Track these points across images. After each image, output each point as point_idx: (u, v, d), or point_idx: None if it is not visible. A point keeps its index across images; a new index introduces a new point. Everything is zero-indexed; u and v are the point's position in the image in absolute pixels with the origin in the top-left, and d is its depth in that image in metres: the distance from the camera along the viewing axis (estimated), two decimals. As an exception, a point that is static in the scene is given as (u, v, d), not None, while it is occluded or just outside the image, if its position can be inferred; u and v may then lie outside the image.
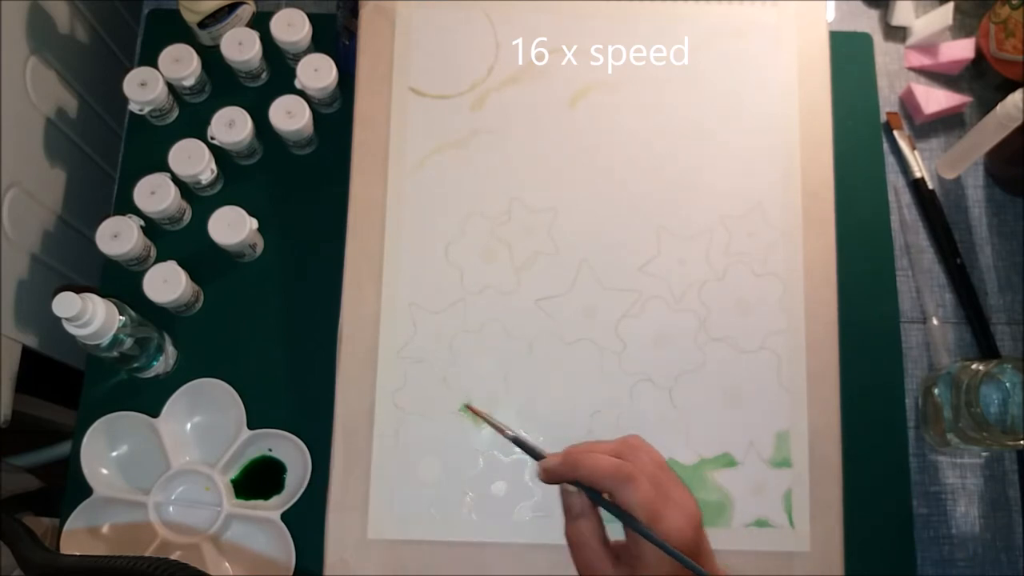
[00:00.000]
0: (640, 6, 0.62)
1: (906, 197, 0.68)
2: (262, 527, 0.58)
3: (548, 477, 0.45)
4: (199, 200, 0.65)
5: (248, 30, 0.64)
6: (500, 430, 0.49)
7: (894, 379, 0.63)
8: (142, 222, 0.61)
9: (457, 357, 0.57)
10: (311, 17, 0.64)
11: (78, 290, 0.51)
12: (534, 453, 0.46)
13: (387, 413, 0.56)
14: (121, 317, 0.54)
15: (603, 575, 0.42)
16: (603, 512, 0.43)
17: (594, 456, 0.43)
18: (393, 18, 0.61)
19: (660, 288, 0.58)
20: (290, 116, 0.62)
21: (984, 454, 0.63)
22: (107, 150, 0.75)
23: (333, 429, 0.56)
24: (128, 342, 0.55)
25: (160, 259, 0.62)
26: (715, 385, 0.57)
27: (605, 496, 0.42)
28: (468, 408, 0.55)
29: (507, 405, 0.56)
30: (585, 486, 0.43)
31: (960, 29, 0.72)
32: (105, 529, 0.58)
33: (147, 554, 0.56)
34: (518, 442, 0.47)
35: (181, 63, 0.64)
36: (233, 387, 0.59)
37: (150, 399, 0.59)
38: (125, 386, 0.61)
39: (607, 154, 0.60)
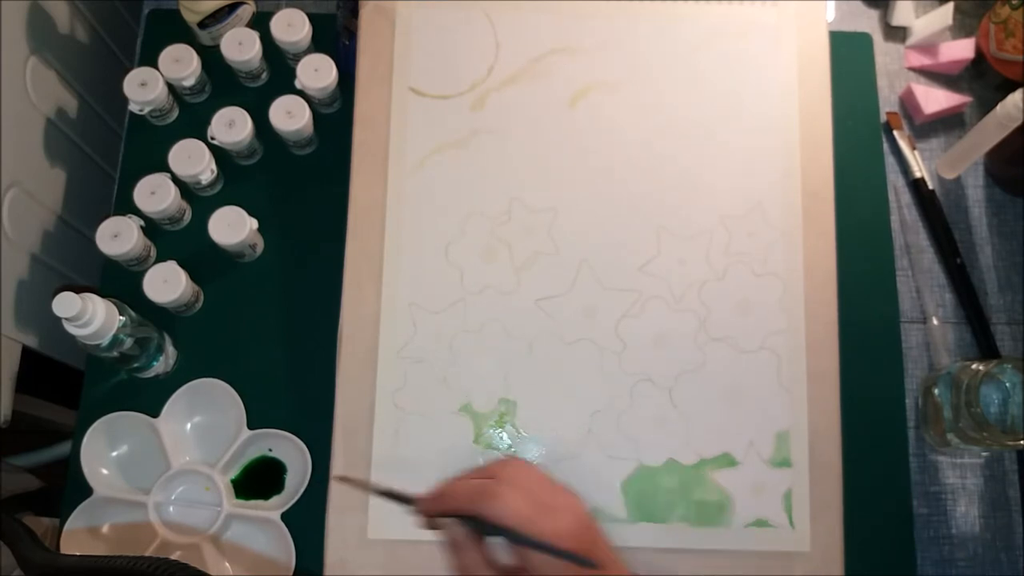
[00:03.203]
0: (640, 6, 0.62)
1: (906, 197, 0.68)
2: (262, 527, 0.58)
3: (424, 519, 0.46)
4: (199, 200, 0.65)
5: (248, 30, 0.64)
6: (369, 488, 0.51)
7: (894, 379, 0.63)
8: (142, 222, 0.61)
9: (457, 357, 0.57)
10: (311, 17, 0.64)
11: (78, 290, 0.51)
12: (405, 499, 0.47)
13: (387, 413, 0.56)
14: (121, 317, 0.54)
15: None
16: None
17: (457, 482, 0.45)
18: (393, 18, 0.61)
19: (660, 288, 0.58)
20: (290, 116, 0.62)
21: (984, 454, 0.63)
22: (107, 150, 0.75)
23: (333, 429, 0.56)
24: (128, 342, 0.55)
25: (160, 259, 0.62)
26: (715, 385, 0.57)
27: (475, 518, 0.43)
28: (340, 479, 0.54)
29: (507, 405, 0.56)
30: (462, 517, 0.44)
31: (960, 29, 0.72)
32: (105, 529, 0.58)
33: (147, 554, 0.56)
34: (389, 494, 0.48)
35: (181, 63, 0.64)
36: (233, 387, 0.59)
37: (150, 399, 0.59)
38: (125, 386, 0.61)
39: (607, 154, 0.60)
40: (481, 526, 0.43)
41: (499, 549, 0.44)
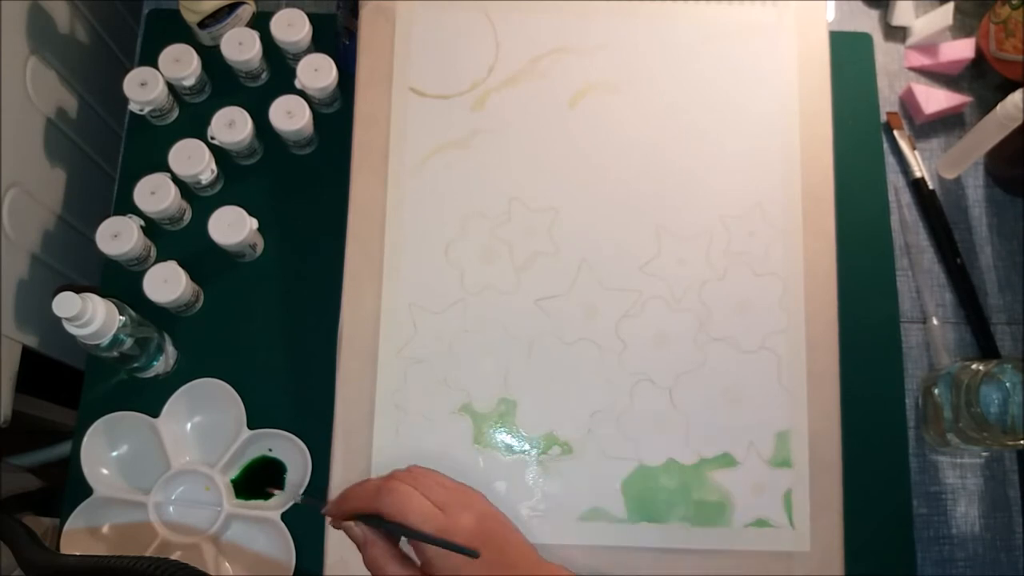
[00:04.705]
0: (640, 6, 0.62)
1: (906, 197, 0.68)
2: (262, 527, 0.58)
3: (334, 521, 0.48)
4: (199, 200, 0.65)
5: (248, 30, 0.64)
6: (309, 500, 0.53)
7: (894, 379, 0.63)
8: (142, 222, 0.61)
9: (457, 357, 0.57)
10: (311, 17, 0.64)
11: (78, 290, 0.51)
12: (316, 504, 0.50)
13: (387, 413, 0.56)
14: (121, 317, 0.54)
15: None
16: None
17: (359, 483, 0.48)
18: (393, 18, 0.61)
19: (660, 288, 0.58)
20: (290, 116, 0.62)
21: (984, 454, 0.63)
22: (107, 150, 0.75)
23: (333, 429, 0.56)
24: (128, 342, 0.55)
25: (160, 259, 0.62)
26: (715, 385, 0.57)
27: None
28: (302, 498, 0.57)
29: (507, 405, 0.56)
30: (364, 517, 0.46)
31: (960, 29, 0.72)
32: (105, 529, 0.58)
33: (147, 554, 0.56)
34: (306, 503, 0.52)
35: (181, 63, 0.64)
36: (233, 387, 0.59)
37: (150, 399, 0.59)
38: (125, 386, 0.61)
39: (607, 154, 0.60)
40: (383, 525, 0.46)
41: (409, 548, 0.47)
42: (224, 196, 0.65)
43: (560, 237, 0.59)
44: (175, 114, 0.67)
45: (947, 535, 0.62)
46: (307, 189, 0.66)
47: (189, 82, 0.64)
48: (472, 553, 0.43)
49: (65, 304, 0.50)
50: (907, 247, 0.67)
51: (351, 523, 0.47)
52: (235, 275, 0.64)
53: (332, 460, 0.55)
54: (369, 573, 0.46)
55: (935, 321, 0.65)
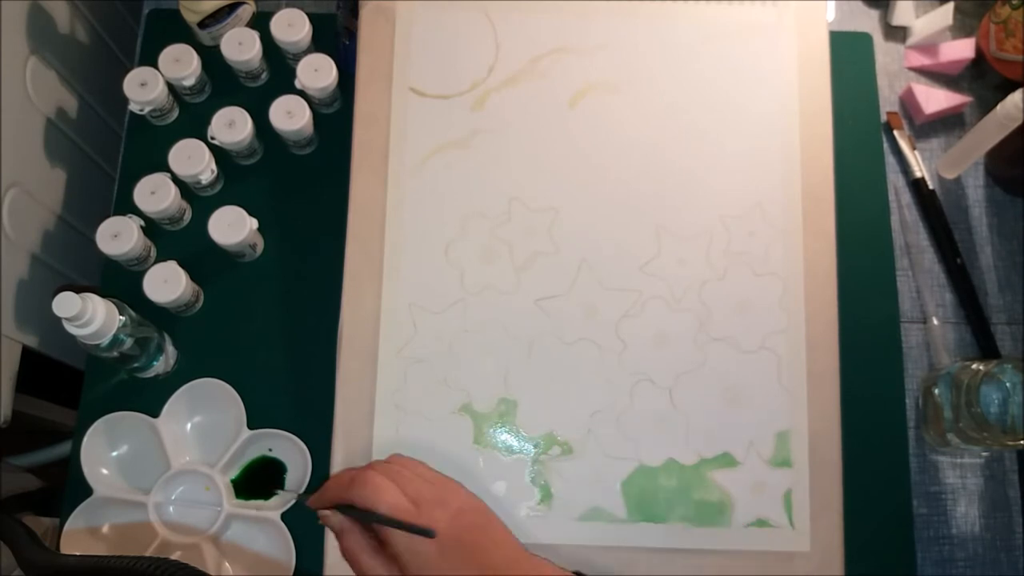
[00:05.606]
0: (640, 6, 0.62)
1: (906, 197, 0.68)
2: (262, 527, 0.58)
3: (320, 514, 0.49)
4: (199, 200, 0.65)
5: (248, 30, 0.64)
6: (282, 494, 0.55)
7: (894, 379, 0.63)
8: (142, 222, 0.61)
9: (457, 357, 0.57)
10: (311, 17, 0.64)
11: (78, 290, 0.51)
12: (302, 498, 0.51)
13: (387, 413, 0.56)
14: (121, 317, 0.54)
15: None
16: None
17: (338, 474, 0.48)
18: (393, 18, 0.61)
19: (660, 288, 0.58)
20: (290, 116, 0.62)
21: (984, 454, 0.63)
22: (107, 150, 0.75)
23: (333, 429, 0.56)
24: (128, 342, 0.55)
25: (160, 259, 0.62)
26: (715, 385, 0.57)
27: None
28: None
29: (507, 405, 0.56)
30: (342, 507, 0.47)
31: (960, 29, 0.72)
32: (105, 529, 0.58)
33: (147, 554, 0.56)
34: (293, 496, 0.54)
35: (181, 63, 0.64)
36: (233, 387, 0.59)
37: (150, 399, 0.59)
38: (125, 386, 0.61)
39: (607, 154, 0.60)
40: (353, 513, 0.46)
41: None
42: (224, 196, 0.65)
43: (560, 237, 0.59)
44: (175, 114, 0.67)
45: (947, 535, 0.62)
46: (307, 189, 0.66)
47: (189, 82, 0.64)
48: (428, 532, 0.43)
49: (65, 304, 0.50)
50: (907, 247, 0.67)
51: (328, 512, 0.47)
52: (235, 275, 0.64)
53: (332, 460, 0.55)
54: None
55: (935, 321, 0.65)
